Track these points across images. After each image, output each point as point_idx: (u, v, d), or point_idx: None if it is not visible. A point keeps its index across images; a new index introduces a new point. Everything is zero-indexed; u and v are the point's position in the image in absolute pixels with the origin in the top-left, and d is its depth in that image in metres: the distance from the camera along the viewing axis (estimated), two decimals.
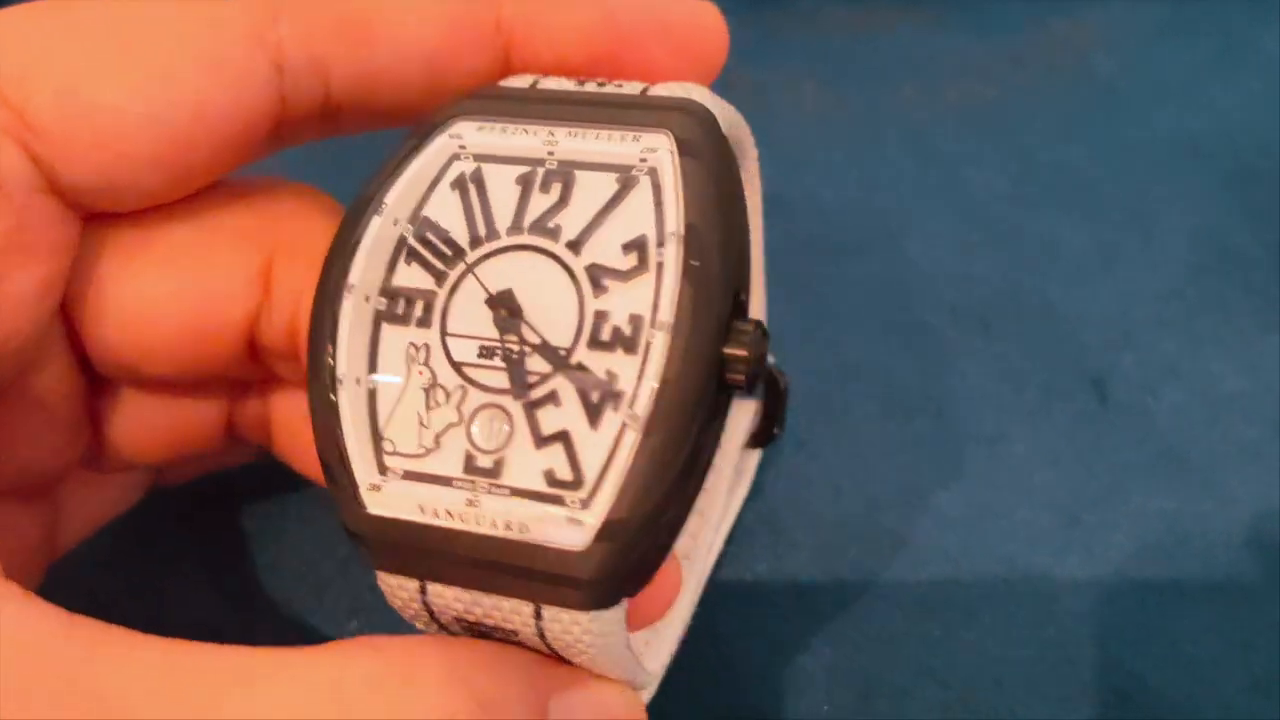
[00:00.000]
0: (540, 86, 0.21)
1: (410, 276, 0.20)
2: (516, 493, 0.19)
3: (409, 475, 0.19)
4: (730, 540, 0.29)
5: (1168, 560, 0.29)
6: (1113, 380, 0.32)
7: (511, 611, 0.19)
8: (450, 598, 0.20)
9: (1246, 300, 0.33)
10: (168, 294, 0.22)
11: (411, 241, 0.20)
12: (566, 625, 0.19)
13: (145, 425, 0.24)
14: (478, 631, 0.20)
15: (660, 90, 0.21)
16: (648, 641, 0.24)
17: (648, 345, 0.19)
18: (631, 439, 0.18)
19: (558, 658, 0.20)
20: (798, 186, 0.36)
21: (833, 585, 0.29)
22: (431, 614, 0.20)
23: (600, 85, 0.21)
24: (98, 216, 0.22)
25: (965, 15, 0.39)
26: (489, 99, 0.21)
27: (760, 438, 0.29)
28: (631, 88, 0.21)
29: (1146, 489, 0.30)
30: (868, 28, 0.39)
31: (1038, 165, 0.36)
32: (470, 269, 0.20)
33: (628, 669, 0.21)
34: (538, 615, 0.19)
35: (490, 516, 0.19)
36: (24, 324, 0.20)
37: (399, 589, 0.20)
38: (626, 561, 0.19)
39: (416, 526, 0.19)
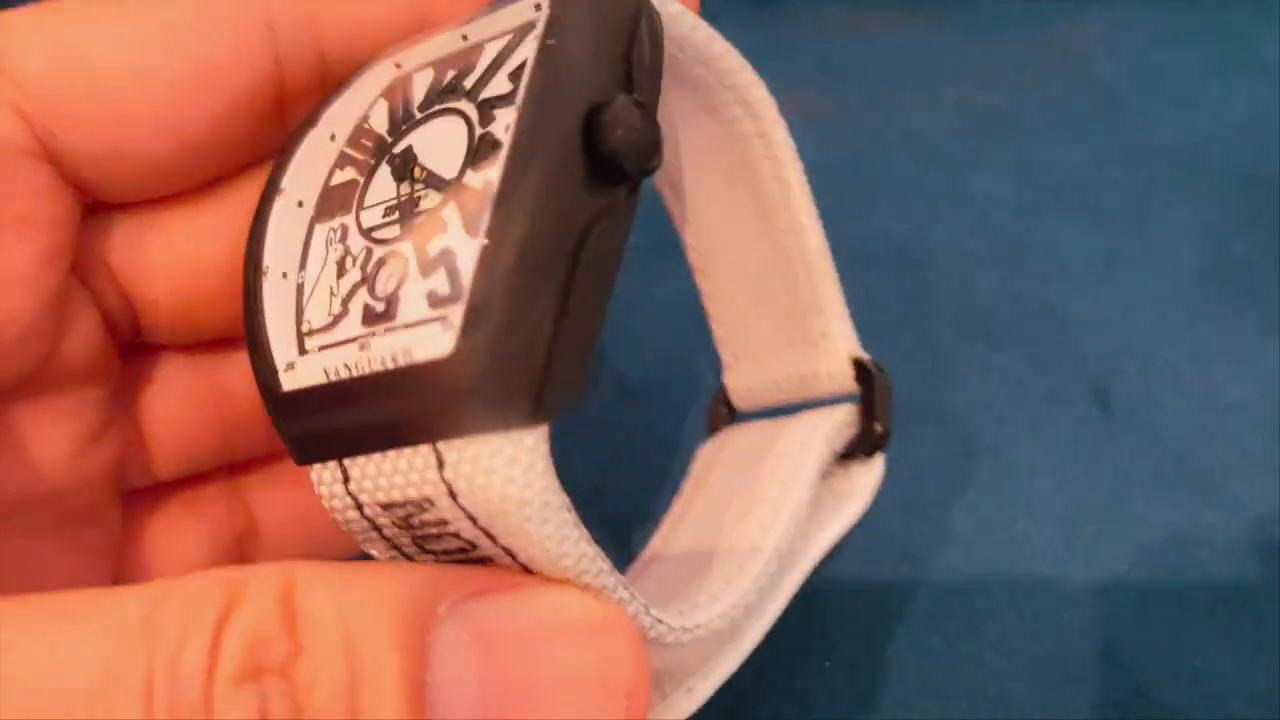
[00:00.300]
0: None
1: (341, 178, 0.19)
2: (407, 327, 0.17)
3: (324, 348, 0.18)
4: None
5: (1171, 570, 0.29)
6: (1115, 388, 0.32)
7: (415, 472, 0.17)
8: (369, 473, 0.18)
9: (1250, 307, 0.33)
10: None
11: (345, 149, 0.19)
12: (471, 473, 0.16)
13: (193, 406, 0.23)
14: (414, 532, 0.18)
15: None
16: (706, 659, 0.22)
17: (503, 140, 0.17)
18: (488, 219, 0.17)
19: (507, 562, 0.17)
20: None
21: (833, 597, 0.29)
22: (361, 509, 0.18)
23: None
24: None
25: (967, 18, 0.38)
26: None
27: (861, 443, 0.26)
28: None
29: (1149, 498, 0.30)
30: (868, 30, 0.38)
31: (1040, 170, 0.35)
32: (387, 150, 0.19)
33: (570, 548, 0.17)
34: (440, 465, 0.17)
35: (380, 355, 0.17)
36: (24, 303, 0.19)
37: (326, 484, 0.18)
38: (502, 351, 0.16)
39: (322, 393, 0.18)
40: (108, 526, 0.22)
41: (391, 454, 0.17)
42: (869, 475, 0.26)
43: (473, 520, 0.17)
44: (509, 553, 0.17)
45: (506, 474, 0.16)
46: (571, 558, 0.17)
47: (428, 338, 0.16)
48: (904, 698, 0.27)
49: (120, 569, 0.23)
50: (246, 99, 0.20)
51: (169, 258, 0.21)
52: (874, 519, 0.29)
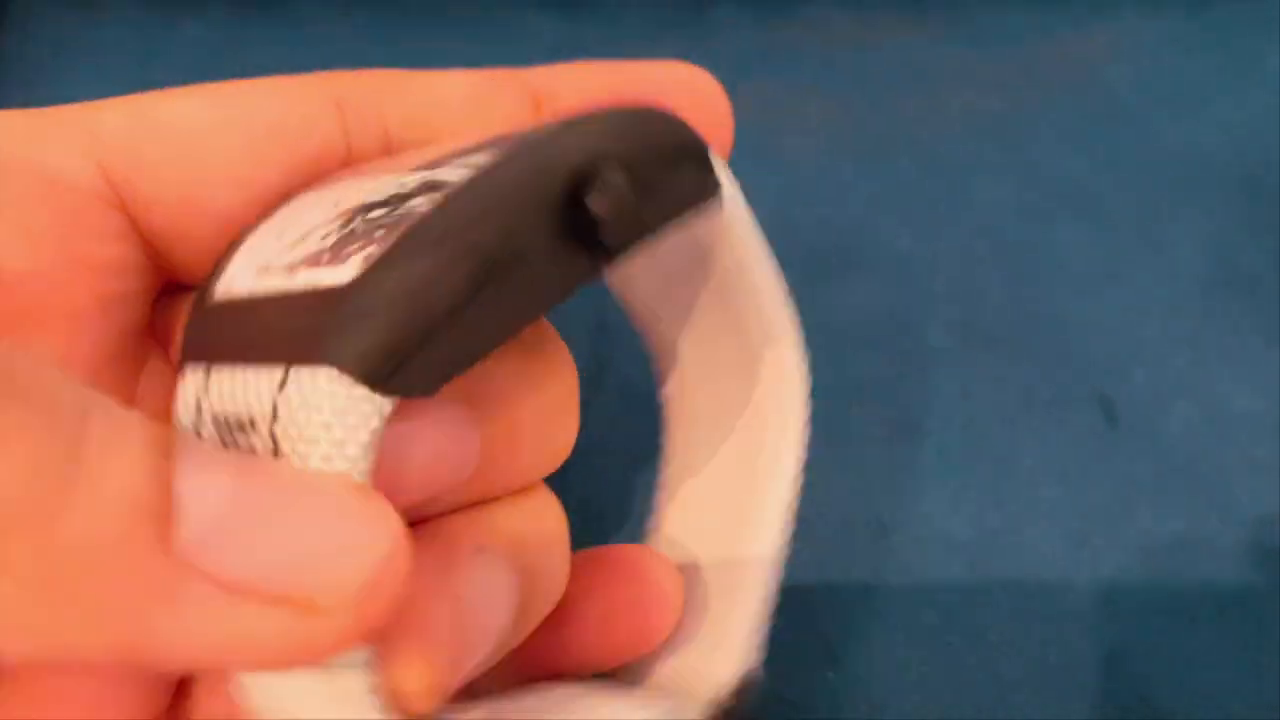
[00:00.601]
0: None
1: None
2: (334, 262, 0.17)
3: (264, 271, 0.18)
4: None
5: (1176, 578, 0.29)
6: (1120, 397, 0.31)
7: (258, 386, 0.16)
8: (224, 379, 0.17)
9: (1256, 316, 0.33)
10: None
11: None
12: (303, 394, 0.15)
13: None
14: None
15: None
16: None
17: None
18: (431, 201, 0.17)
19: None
20: (802, 201, 0.35)
21: (838, 607, 0.29)
22: (200, 415, 0.17)
23: None
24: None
25: (973, 26, 0.38)
26: None
27: None
28: None
29: (1155, 507, 0.30)
30: (874, 38, 0.38)
31: (1045, 178, 0.35)
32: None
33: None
34: (282, 385, 0.16)
35: (299, 281, 0.17)
36: (86, 347, 0.19)
37: (188, 387, 0.18)
38: (392, 304, 0.15)
39: (236, 304, 0.17)
40: None
41: (253, 368, 0.16)
42: None
43: (274, 452, 0.16)
44: None
45: (334, 418, 0.15)
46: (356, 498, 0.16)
47: (339, 271, 0.16)
48: (909, 708, 0.27)
49: None
50: (315, 164, 0.21)
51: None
52: (879, 528, 0.30)
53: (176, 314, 0.21)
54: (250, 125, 0.20)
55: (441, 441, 0.18)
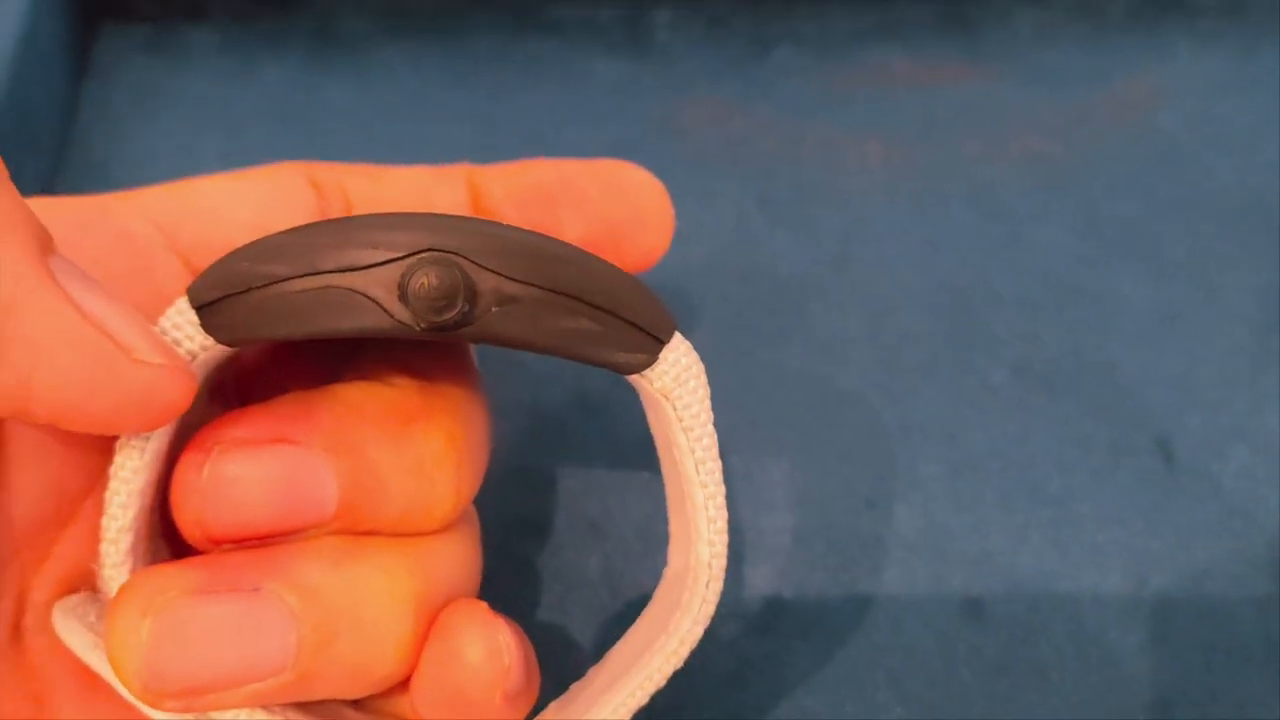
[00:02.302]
0: None
1: None
2: None
3: None
4: (796, 606, 0.30)
5: (1233, 622, 0.30)
6: (1178, 441, 0.32)
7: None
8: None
9: None
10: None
11: None
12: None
13: None
14: None
15: None
16: None
17: None
18: None
19: None
20: (862, 244, 0.36)
21: (904, 644, 0.30)
22: None
23: None
24: None
25: (1028, 70, 0.39)
26: None
27: None
28: None
29: (1212, 551, 0.31)
30: (932, 81, 0.39)
31: (1101, 222, 0.36)
32: None
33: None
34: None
35: None
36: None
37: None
38: (237, 256, 0.20)
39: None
40: None
41: None
42: None
43: None
44: None
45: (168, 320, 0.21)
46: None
47: None
48: None
49: None
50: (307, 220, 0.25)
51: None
52: (942, 569, 0.30)
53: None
54: (255, 192, 0.25)
55: (296, 475, 0.21)
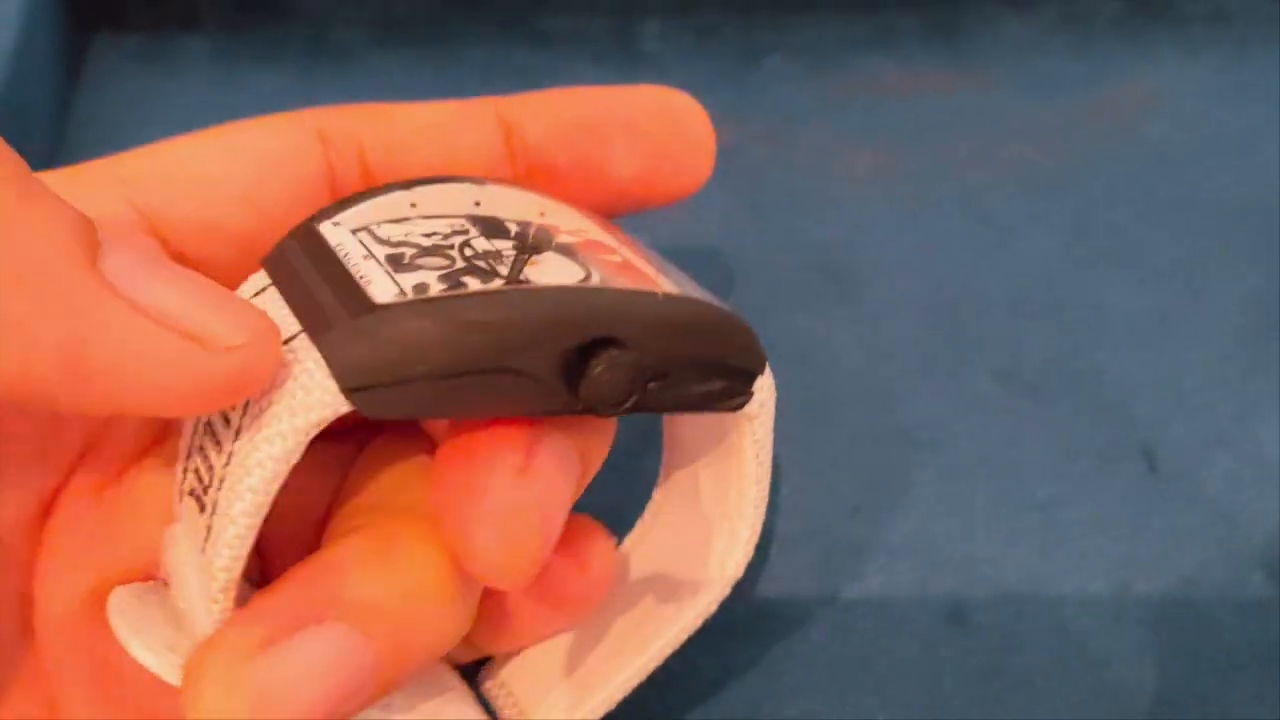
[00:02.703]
0: None
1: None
2: (391, 275, 0.20)
3: (360, 238, 0.21)
4: (781, 611, 0.30)
5: (1219, 629, 0.30)
6: (1163, 448, 0.32)
7: (284, 321, 0.20)
8: (268, 298, 0.21)
9: None
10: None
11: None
12: (295, 358, 0.19)
13: None
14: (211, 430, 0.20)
15: None
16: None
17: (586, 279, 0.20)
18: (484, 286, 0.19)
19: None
20: (852, 251, 0.36)
21: (888, 650, 0.30)
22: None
23: None
24: None
25: (1019, 78, 0.39)
26: None
27: None
28: None
29: (1197, 558, 0.31)
30: (924, 90, 0.39)
31: (1090, 228, 0.36)
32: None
33: (276, 456, 0.19)
34: (289, 342, 0.19)
35: (363, 271, 0.20)
36: None
37: (252, 282, 0.21)
38: (392, 343, 0.18)
39: (321, 248, 0.21)
40: None
41: (288, 309, 0.20)
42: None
43: (242, 411, 0.19)
44: (237, 432, 0.19)
45: (301, 392, 0.18)
46: (247, 485, 0.19)
47: (384, 289, 0.19)
48: None
49: None
50: (307, 187, 0.23)
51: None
52: (928, 575, 0.31)
53: None
54: (249, 156, 0.23)
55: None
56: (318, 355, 0.18)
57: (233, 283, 0.23)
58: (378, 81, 0.40)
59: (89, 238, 0.18)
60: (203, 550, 0.20)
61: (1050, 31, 0.40)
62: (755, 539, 0.25)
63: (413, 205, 0.22)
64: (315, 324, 0.19)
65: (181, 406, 0.18)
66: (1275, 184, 0.36)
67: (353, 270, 0.20)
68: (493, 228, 0.22)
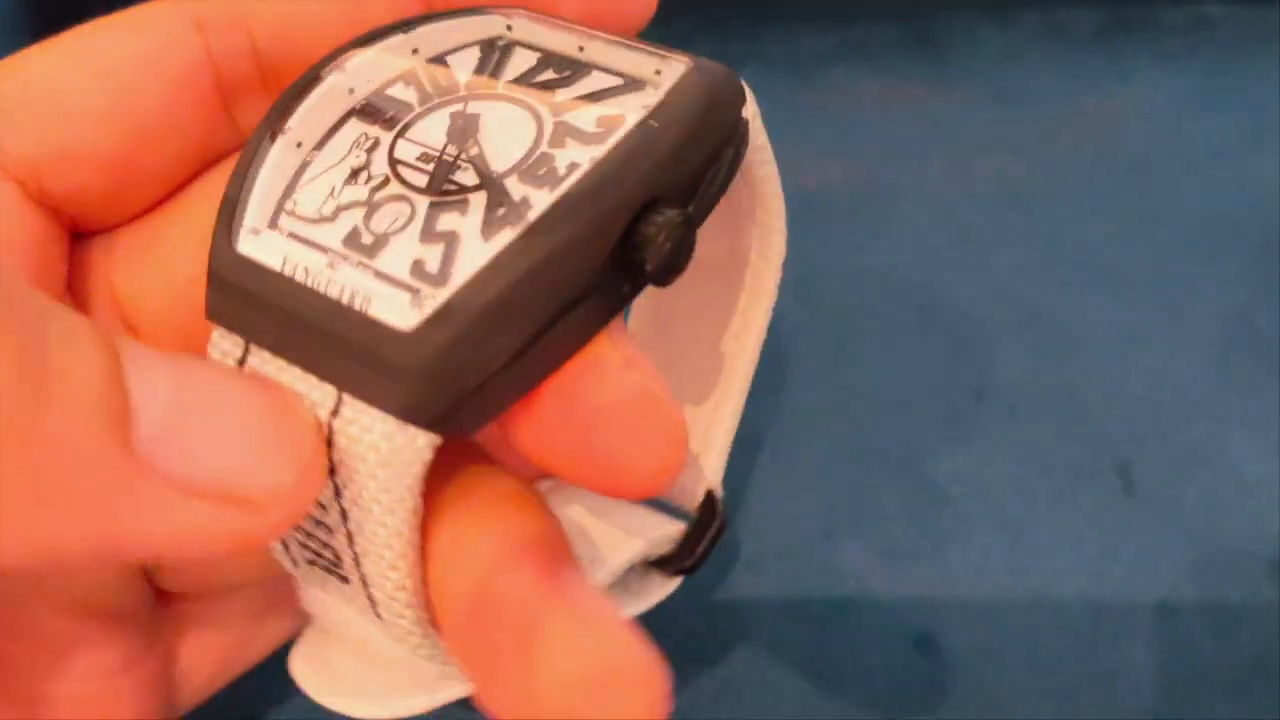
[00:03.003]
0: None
1: (402, 94, 0.20)
2: (379, 275, 0.18)
3: (293, 236, 0.19)
4: (746, 636, 0.30)
5: (1196, 652, 0.29)
6: (1139, 465, 0.32)
7: (310, 391, 0.18)
8: (268, 370, 0.18)
9: (1276, 382, 0.33)
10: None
11: (419, 65, 0.20)
12: (361, 430, 0.17)
13: None
14: None
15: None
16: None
17: (566, 177, 0.18)
18: (508, 238, 0.17)
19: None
20: (823, 264, 0.36)
21: (856, 677, 0.29)
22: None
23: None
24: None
25: (992, 90, 0.39)
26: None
27: (672, 562, 0.26)
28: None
29: (1174, 578, 0.30)
30: (898, 102, 0.39)
31: (1066, 243, 0.36)
32: (452, 100, 0.20)
33: (399, 521, 0.18)
34: (336, 411, 0.17)
35: (340, 282, 0.18)
36: None
37: (221, 351, 0.19)
38: (449, 359, 0.17)
39: (270, 276, 0.18)
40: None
41: (298, 371, 0.18)
42: (660, 588, 0.26)
43: (330, 470, 0.18)
44: (342, 515, 0.18)
45: (389, 458, 0.17)
46: (389, 559, 0.18)
47: (394, 302, 0.17)
48: None
49: None
50: (185, 90, 0.21)
51: (162, 275, 0.21)
52: (896, 598, 0.30)
53: (89, 263, 0.21)
54: (108, 62, 0.20)
55: None
56: (383, 418, 0.17)
57: (110, 211, 0.21)
58: None
59: (118, 402, 0.16)
60: (378, 617, 0.19)
61: (1027, 43, 0.40)
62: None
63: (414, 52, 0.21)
64: (348, 381, 0.17)
65: (227, 558, 0.17)
66: (1254, 197, 0.36)
67: (335, 293, 0.18)
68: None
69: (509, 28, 0.21)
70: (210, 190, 0.22)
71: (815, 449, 0.32)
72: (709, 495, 0.25)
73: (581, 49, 0.20)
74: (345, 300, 0.17)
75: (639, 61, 0.20)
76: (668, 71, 0.19)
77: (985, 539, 0.31)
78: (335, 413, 0.17)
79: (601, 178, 0.18)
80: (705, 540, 0.25)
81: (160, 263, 0.21)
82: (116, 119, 0.20)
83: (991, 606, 0.30)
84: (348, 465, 0.17)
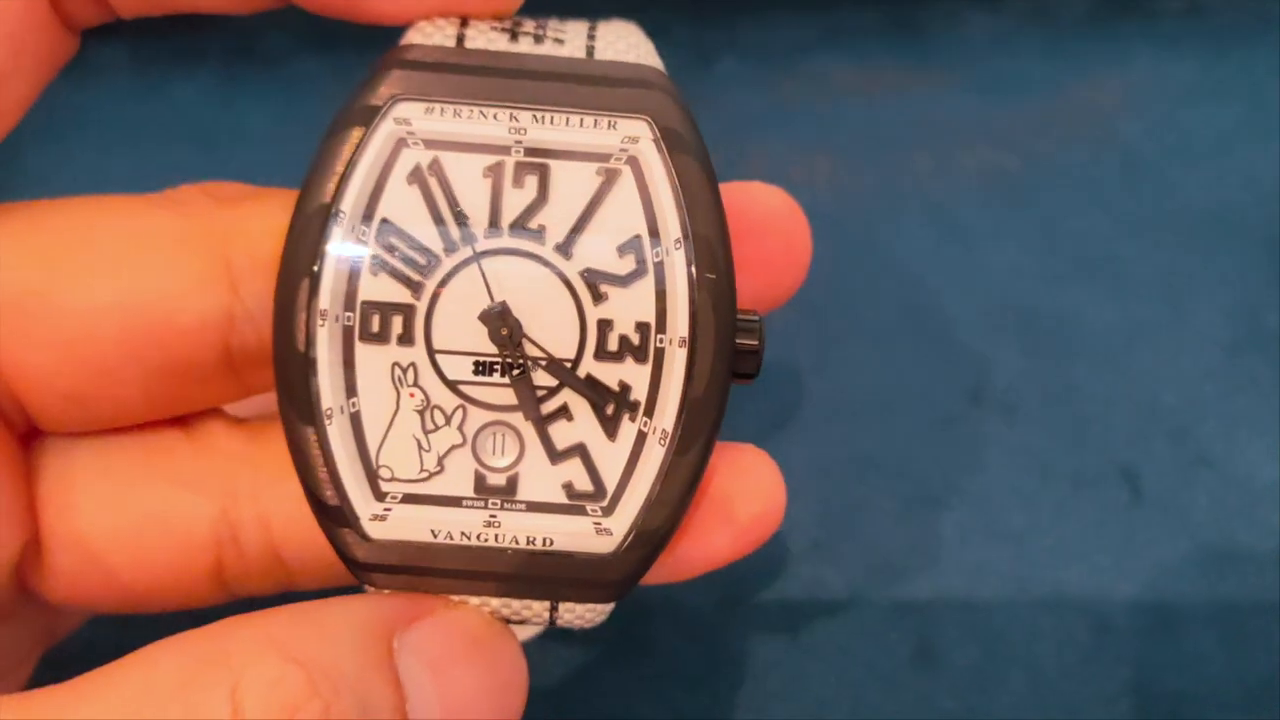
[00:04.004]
0: (472, 46, 0.20)
1: (381, 289, 0.19)
2: (534, 507, 0.19)
3: (409, 499, 0.19)
4: (735, 656, 0.28)
5: (1206, 666, 0.28)
6: (1144, 469, 0.30)
7: (523, 607, 0.20)
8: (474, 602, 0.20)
9: None
10: (107, 298, 0.21)
11: (375, 248, 0.19)
12: (581, 613, 0.20)
13: (112, 518, 0.22)
14: None
15: (606, 48, 0.20)
16: None
17: (659, 353, 0.19)
18: (659, 453, 0.19)
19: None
20: (812, 264, 0.34)
21: (850, 695, 0.27)
22: None
23: (538, 39, 0.20)
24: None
25: (977, 77, 0.37)
26: (425, 70, 0.20)
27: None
28: (574, 41, 0.20)
29: (1183, 589, 0.29)
30: (879, 91, 0.37)
31: (1061, 238, 0.34)
32: (449, 278, 0.19)
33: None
34: (553, 609, 0.20)
35: (512, 533, 0.19)
36: None
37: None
38: (645, 565, 0.20)
39: (428, 548, 0.19)
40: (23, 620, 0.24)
41: (509, 600, 0.20)
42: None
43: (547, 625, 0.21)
44: None
45: (603, 617, 0.21)
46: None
47: (581, 535, 0.20)
48: None
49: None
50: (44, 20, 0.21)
51: (55, 333, 0.21)
52: (892, 612, 0.28)
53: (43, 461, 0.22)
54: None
55: None
56: (587, 607, 0.20)
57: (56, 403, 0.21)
58: (308, 87, 0.38)
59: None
60: None
61: (1018, 29, 0.38)
62: None
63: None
64: (558, 596, 0.20)
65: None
66: (1256, 190, 0.34)
67: (508, 543, 0.20)
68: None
69: (410, 133, 0.19)
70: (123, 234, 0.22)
71: (802, 457, 0.31)
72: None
73: (518, 140, 0.19)
74: (526, 548, 0.20)
75: (590, 133, 0.19)
76: (631, 135, 0.19)
77: (983, 549, 0.29)
78: (554, 610, 0.20)
79: (710, 369, 0.19)
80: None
81: (92, 265, 0.21)
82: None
83: (992, 621, 0.28)
84: (569, 625, 0.21)
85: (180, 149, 0.36)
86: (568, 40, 0.20)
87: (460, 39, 0.20)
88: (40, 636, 0.25)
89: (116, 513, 0.22)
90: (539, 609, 0.20)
